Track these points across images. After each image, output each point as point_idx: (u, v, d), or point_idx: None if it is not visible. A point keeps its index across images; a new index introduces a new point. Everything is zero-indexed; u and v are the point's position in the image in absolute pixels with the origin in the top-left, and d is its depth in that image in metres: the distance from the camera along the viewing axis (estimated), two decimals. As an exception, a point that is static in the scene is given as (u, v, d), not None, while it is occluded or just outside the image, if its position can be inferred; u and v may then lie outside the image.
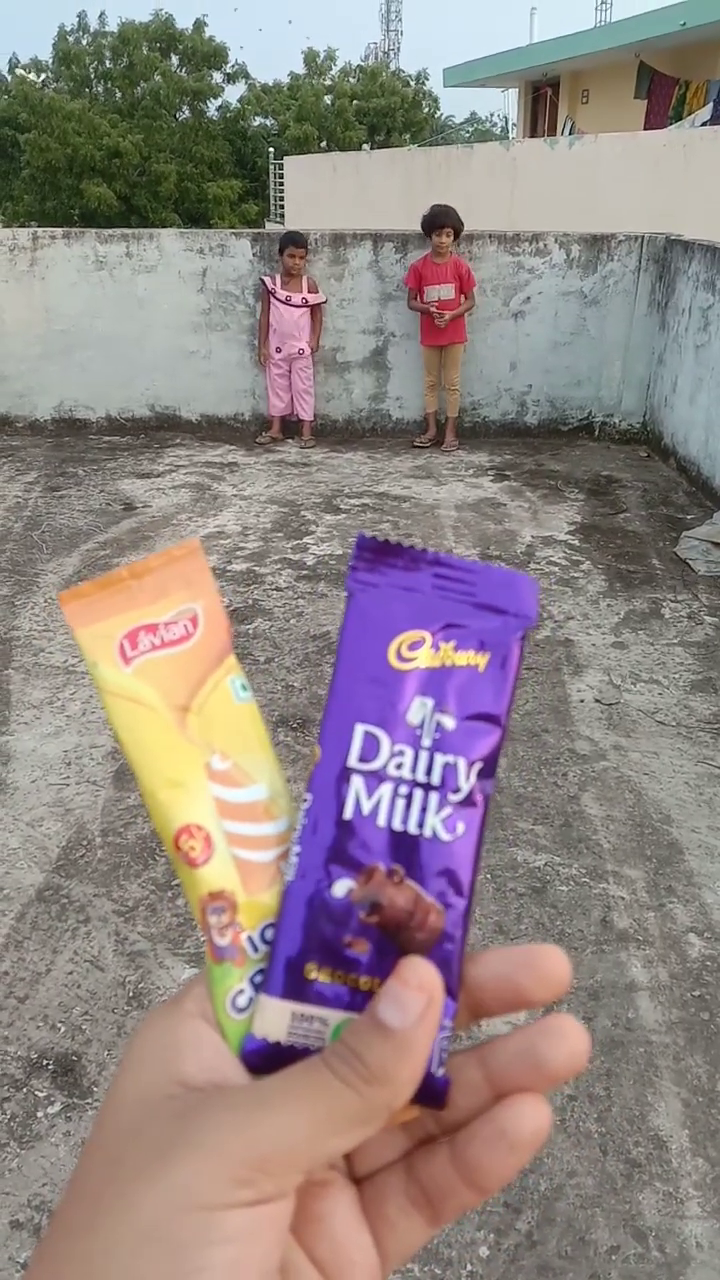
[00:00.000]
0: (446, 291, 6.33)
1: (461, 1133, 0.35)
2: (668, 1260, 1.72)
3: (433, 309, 6.37)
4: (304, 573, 4.59)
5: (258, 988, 0.35)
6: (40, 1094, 2.01)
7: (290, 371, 6.70)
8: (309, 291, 6.55)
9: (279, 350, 6.63)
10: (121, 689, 0.36)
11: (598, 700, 3.52)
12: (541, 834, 2.80)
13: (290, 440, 6.90)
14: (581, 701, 3.52)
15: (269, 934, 0.35)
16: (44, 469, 6.20)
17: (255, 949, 0.35)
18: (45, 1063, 2.08)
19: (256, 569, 4.63)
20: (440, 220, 6.36)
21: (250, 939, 0.35)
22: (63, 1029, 2.16)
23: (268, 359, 6.64)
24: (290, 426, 6.95)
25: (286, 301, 6.50)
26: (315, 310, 6.60)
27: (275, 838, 0.37)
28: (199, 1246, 0.29)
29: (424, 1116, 0.36)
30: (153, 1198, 0.30)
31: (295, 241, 6.41)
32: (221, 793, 0.36)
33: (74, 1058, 2.09)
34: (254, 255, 6.67)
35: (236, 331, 6.84)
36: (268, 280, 6.52)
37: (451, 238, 6.35)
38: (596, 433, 7.08)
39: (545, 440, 7.02)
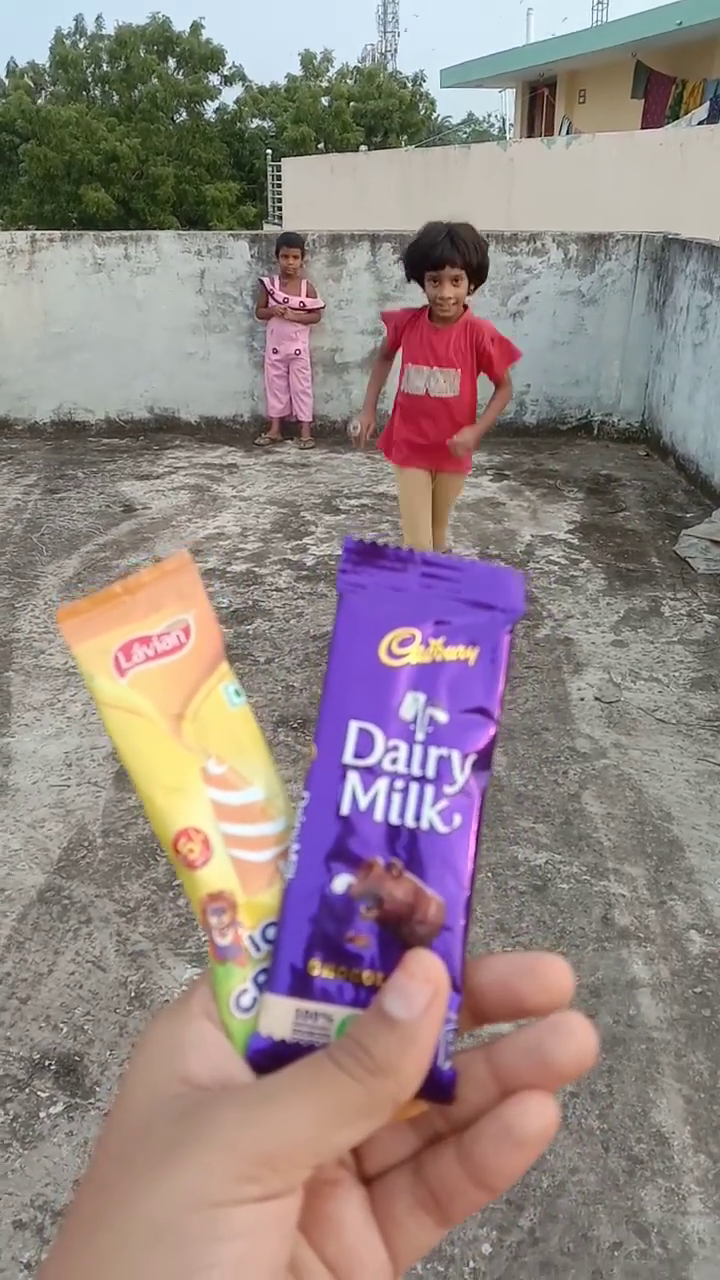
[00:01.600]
0: (447, 383, 3.42)
1: (468, 1131, 0.34)
2: (670, 1257, 1.72)
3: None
4: (303, 573, 4.59)
5: (261, 986, 0.35)
6: (42, 1094, 2.02)
7: (288, 372, 6.71)
8: (308, 295, 6.55)
9: (276, 351, 6.64)
10: (117, 700, 0.37)
11: (598, 698, 3.53)
12: (542, 832, 2.81)
13: (289, 441, 6.91)
14: (582, 700, 3.52)
15: (270, 933, 0.35)
16: (43, 471, 6.21)
17: (257, 948, 0.35)
18: (47, 1063, 2.08)
19: (256, 570, 4.63)
20: (443, 254, 3.18)
21: (252, 938, 0.36)
22: (65, 1029, 2.16)
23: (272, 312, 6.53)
24: (289, 427, 6.96)
25: (284, 303, 6.50)
26: (313, 313, 6.61)
27: (273, 838, 0.37)
28: (207, 1243, 0.29)
29: (432, 1114, 0.36)
30: (161, 1195, 0.30)
31: (290, 242, 6.41)
32: (218, 796, 0.37)
33: (76, 1058, 2.10)
34: (252, 257, 6.68)
35: (235, 333, 6.85)
36: (266, 281, 6.52)
37: (466, 284, 3.28)
38: (595, 432, 7.08)
39: (544, 439, 7.02)
